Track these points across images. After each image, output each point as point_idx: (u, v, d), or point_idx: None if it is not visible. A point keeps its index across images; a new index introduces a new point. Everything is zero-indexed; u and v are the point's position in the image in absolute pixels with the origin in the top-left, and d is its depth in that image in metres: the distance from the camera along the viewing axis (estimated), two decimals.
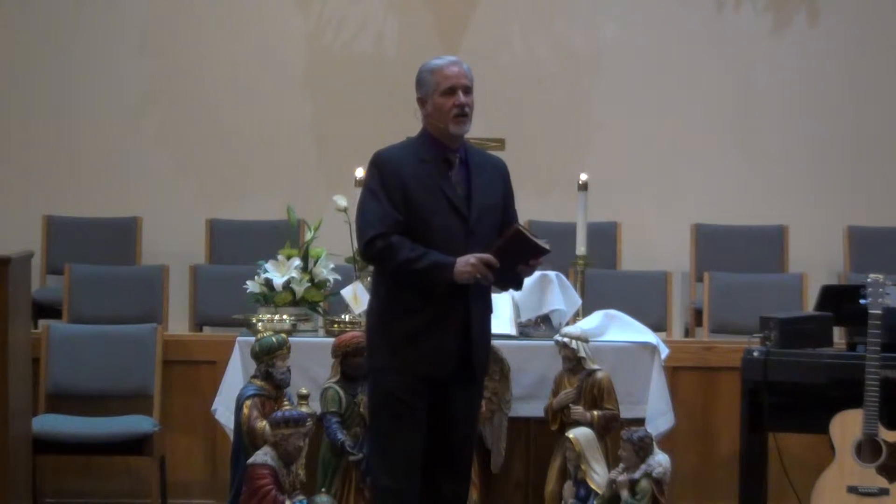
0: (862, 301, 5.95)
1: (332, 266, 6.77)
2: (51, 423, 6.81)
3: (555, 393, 6.32)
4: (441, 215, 5.17)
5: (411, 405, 5.19)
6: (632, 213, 8.99)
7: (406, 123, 8.26)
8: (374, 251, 5.18)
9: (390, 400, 5.21)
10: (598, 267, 8.06)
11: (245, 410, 6.06)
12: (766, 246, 8.89)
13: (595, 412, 6.22)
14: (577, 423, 6.20)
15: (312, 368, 6.40)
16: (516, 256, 5.18)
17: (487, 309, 5.33)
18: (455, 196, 5.20)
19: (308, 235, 6.83)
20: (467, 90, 5.22)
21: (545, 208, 8.80)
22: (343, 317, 6.59)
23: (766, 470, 6.34)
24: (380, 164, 5.23)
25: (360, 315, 6.55)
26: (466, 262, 5.10)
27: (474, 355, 5.23)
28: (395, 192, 5.17)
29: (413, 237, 5.15)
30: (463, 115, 5.19)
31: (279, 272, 6.66)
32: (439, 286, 5.13)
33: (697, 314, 8.46)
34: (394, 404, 5.20)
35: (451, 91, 5.20)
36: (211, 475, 7.13)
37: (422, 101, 5.30)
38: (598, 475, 6.12)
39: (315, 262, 6.71)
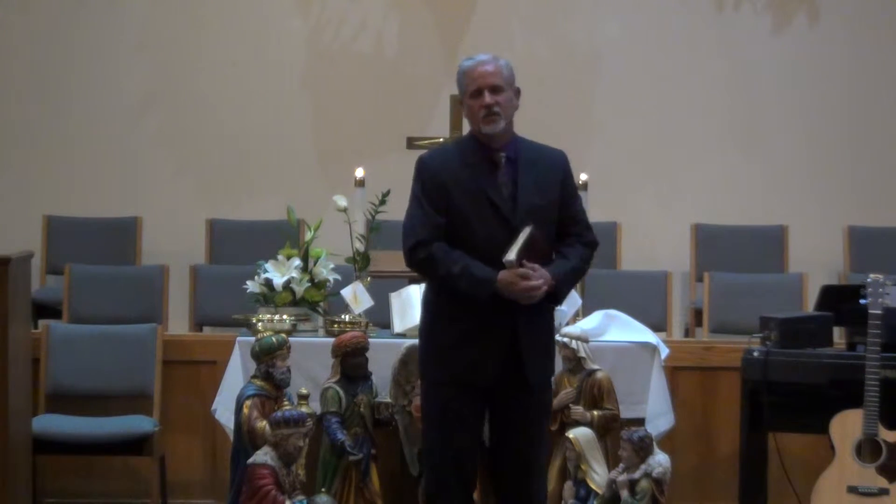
0: (862, 301, 5.95)
1: (332, 266, 6.77)
2: (51, 423, 6.81)
3: (555, 393, 6.31)
4: (484, 220, 5.11)
5: (458, 412, 5.17)
6: (632, 213, 8.99)
7: (406, 123, 8.35)
8: (416, 260, 5.15)
9: (437, 407, 5.21)
10: (598, 267, 8.05)
11: (245, 410, 6.05)
12: (766, 246, 8.89)
13: (595, 412, 6.22)
14: (577, 423, 6.20)
15: (312, 368, 6.39)
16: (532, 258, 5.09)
17: (542, 315, 5.19)
18: (499, 199, 5.12)
19: (308, 235, 6.83)
20: (495, 88, 5.14)
21: None
22: (343, 317, 6.58)
23: (766, 470, 6.34)
24: (421, 169, 5.18)
25: (360, 315, 6.56)
26: (512, 287, 5.03)
27: (526, 364, 5.14)
28: (435, 197, 5.12)
29: (457, 242, 5.11)
30: (491, 114, 5.13)
31: (279, 272, 6.66)
32: (482, 301, 5.07)
33: (697, 314, 8.46)
34: (441, 411, 5.19)
35: (478, 93, 5.15)
36: (211, 475, 7.13)
37: (461, 104, 5.27)
38: (598, 475, 6.12)
39: (315, 262, 6.71)
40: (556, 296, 5.15)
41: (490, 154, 5.17)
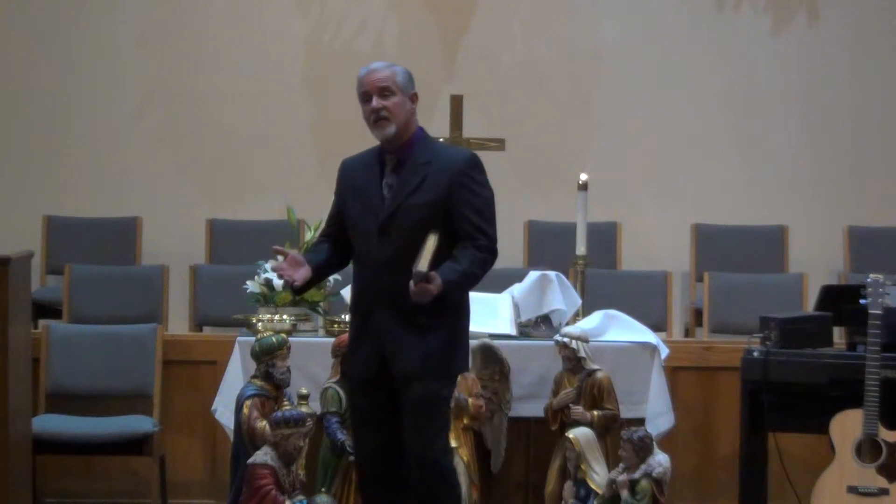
0: (862, 301, 5.95)
1: None
2: (51, 423, 6.81)
3: (555, 393, 6.32)
4: (361, 218, 5.23)
5: (356, 405, 5.35)
6: (632, 213, 8.99)
7: None
8: None
9: (349, 403, 5.44)
10: (598, 267, 8.06)
11: (245, 410, 6.05)
12: (766, 246, 8.89)
13: (595, 412, 6.22)
14: (577, 423, 6.21)
15: (312, 368, 6.40)
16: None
17: (410, 310, 5.07)
18: (375, 196, 5.21)
19: (308, 235, 6.83)
20: (382, 92, 5.17)
21: (545, 208, 8.80)
22: (343, 317, 6.58)
23: (766, 470, 6.34)
24: (338, 171, 5.45)
25: None
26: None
27: (387, 358, 5.15)
28: (337, 198, 5.38)
29: (351, 239, 5.29)
30: (379, 118, 5.18)
31: None
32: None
33: (697, 314, 8.46)
34: (350, 408, 5.46)
35: (366, 98, 5.21)
36: (211, 475, 7.13)
37: None
38: (598, 475, 6.13)
39: None
40: (443, 298, 5.04)
41: (382, 156, 5.29)
